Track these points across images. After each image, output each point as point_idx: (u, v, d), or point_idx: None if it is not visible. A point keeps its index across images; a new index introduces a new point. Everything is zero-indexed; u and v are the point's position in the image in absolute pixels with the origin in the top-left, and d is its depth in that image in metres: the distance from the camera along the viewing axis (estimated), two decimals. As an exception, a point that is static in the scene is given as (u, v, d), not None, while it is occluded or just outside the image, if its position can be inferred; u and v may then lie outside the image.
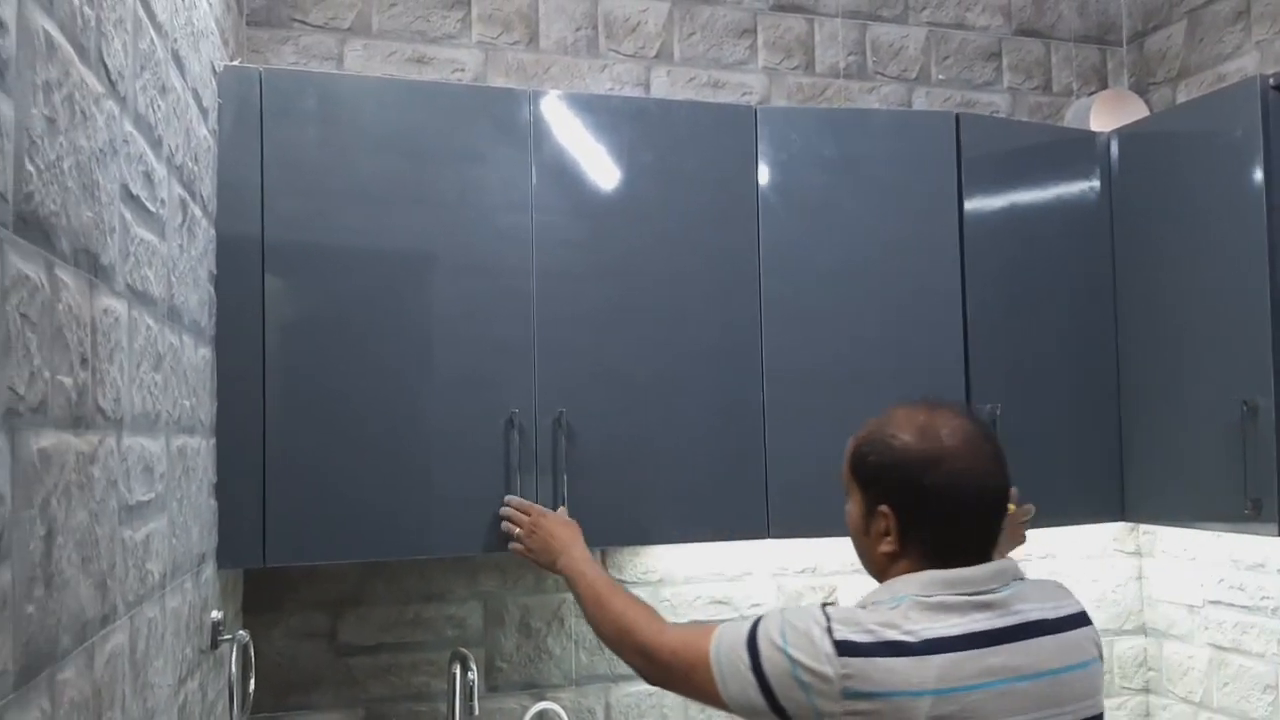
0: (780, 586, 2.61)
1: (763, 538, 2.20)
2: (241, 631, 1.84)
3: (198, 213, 1.66)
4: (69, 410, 0.95)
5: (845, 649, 1.26)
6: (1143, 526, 2.86)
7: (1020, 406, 2.34)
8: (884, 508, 1.37)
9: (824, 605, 1.34)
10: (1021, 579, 1.37)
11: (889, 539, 1.37)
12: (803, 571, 2.61)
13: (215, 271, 1.82)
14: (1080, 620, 1.39)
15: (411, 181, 2.00)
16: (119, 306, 1.14)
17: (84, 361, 1.00)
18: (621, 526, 2.12)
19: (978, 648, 1.28)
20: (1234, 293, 2.20)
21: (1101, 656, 1.41)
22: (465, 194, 2.03)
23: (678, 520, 2.15)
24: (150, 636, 1.29)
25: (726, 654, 1.37)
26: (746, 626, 1.37)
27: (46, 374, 0.89)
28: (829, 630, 1.28)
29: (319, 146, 1.95)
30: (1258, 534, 2.19)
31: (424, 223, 1.99)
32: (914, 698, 1.24)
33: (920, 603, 1.30)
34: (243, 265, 1.87)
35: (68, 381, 0.95)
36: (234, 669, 1.80)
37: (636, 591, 2.48)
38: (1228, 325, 2.22)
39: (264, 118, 1.90)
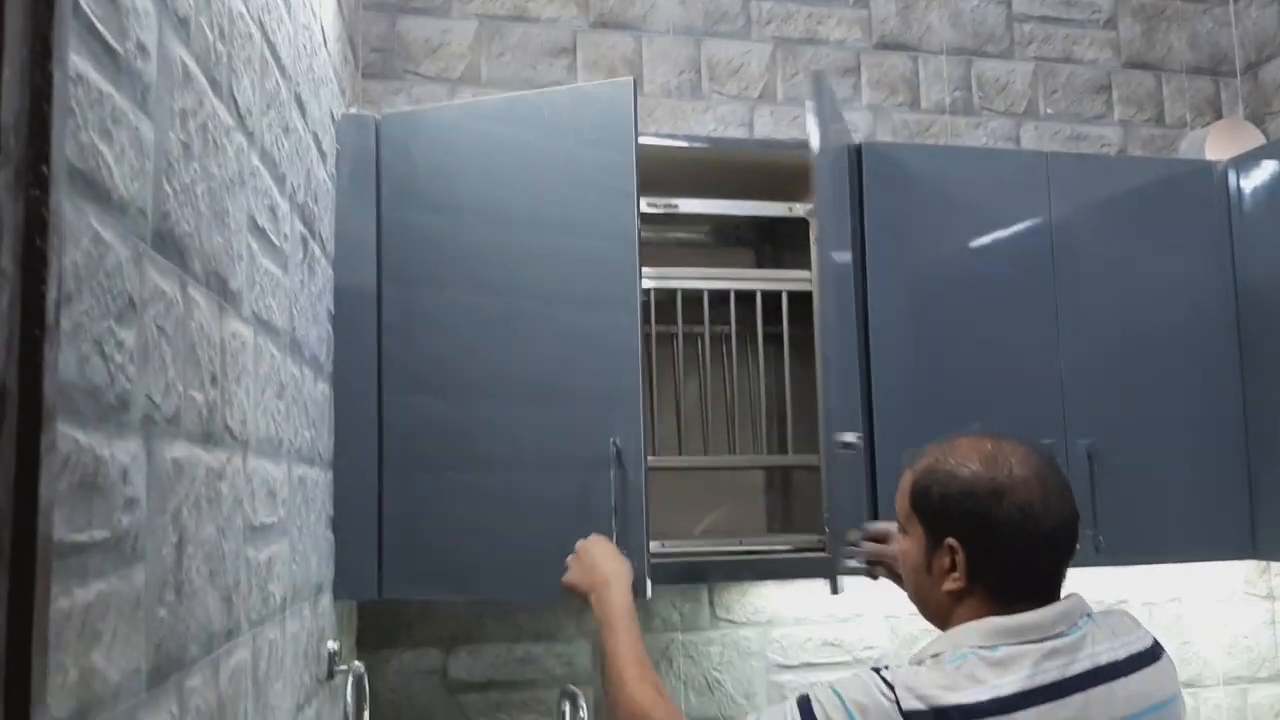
0: (894, 629, 2.56)
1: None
2: (356, 663, 1.87)
3: (317, 251, 1.72)
4: (200, 425, 0.99)
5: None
6: (1275, 567, 2.73)
7: (1130, 440, 2.28)
8: (951, 541, 1.30)
9: (878, 670, 1.24)
10: (1090, 615, 1.30)
11: (955, 576, 1.30)
12: (915, 613, 2.55)
13: (333, 310, 1.87)
14: (1153, 655, 1.30)
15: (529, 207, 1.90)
16: (246, 331, 1.19)
17: (214, 380, 1.04)
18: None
19: (1049, 700, 1.20)
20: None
21: (1180, 691, 1.32)
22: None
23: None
24: (271, 658, 1.32)
25: None
26: (791, 704, 1.27)
27: (180, 387, 0.92)
28: (896, 702, 1.19)
29: (436, 189, 1.95)
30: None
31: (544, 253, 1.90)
32: None
33: (985, 658, 1.22)
34: (359, 307, 1.90)
35: (199, 397, 0.99)
36: (349, 700, 1.83)
37: (745, 633, 2.47)
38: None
39: (380, 164, 1.95)
